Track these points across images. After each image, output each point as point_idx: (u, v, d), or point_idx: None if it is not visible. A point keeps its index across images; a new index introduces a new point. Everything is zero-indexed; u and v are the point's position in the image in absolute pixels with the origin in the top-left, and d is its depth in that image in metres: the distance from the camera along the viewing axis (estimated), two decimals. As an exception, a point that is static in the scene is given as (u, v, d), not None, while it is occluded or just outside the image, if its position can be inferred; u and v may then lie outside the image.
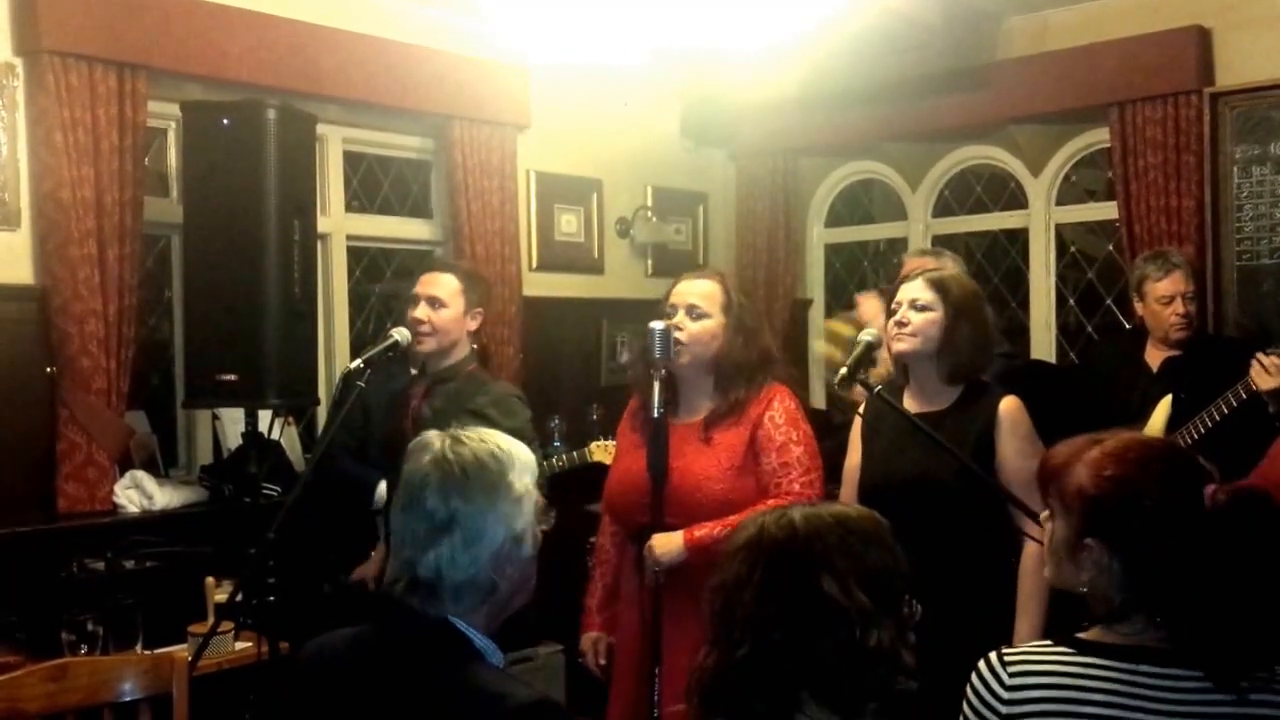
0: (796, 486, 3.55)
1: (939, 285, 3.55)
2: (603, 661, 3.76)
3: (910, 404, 3.57)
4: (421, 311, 4.12)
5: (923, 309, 3.52)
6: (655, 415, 3.36)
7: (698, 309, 3.60)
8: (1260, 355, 4.31)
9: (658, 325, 3.42)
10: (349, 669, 2.16)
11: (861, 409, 3.74)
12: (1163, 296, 4.76)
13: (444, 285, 4.17)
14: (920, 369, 3.57)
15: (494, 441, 2.19)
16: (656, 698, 3.31)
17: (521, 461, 2.18)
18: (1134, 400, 4.72)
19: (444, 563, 2.10)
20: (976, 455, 3.36)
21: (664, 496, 3.39)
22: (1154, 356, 4.84)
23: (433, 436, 2.20)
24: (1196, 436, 4.47)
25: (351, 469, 4.49)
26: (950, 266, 4.74)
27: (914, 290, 3.56)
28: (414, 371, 4.37)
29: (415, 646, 2.11)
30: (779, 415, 3.61)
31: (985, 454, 3.41)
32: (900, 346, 3.53)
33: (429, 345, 4.11)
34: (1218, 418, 4.42)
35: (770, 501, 3.48)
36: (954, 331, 3.51)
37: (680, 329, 3.55)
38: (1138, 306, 4.92)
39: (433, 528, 2.11)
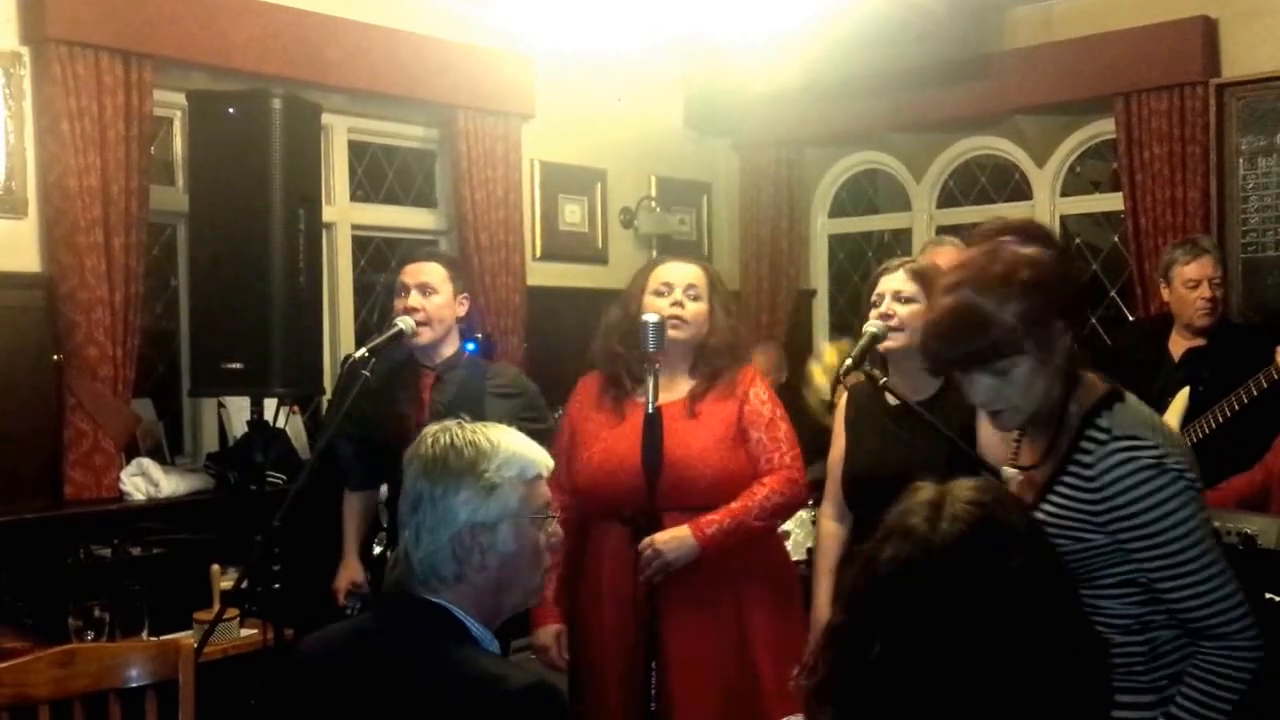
0: (788, 460, 3.57)
1: (921, 277, 3.53)
2: (567, 656, 3.65)
3: (891, 396, 3.56)
4: (415, 300, 4.07)
5: (907, 301, 3.50)
6: (650, 411, 3.34)
7: (694, 288, 3.62)
8: None
9: (651, 318, 3.39)
10: (348, 657, 2.19)
11: (844, 400, 3.75)
12: (1190, 280, 4.75)
13: (432, 272, 4.13)
14: (905, 361, 3.53)
15: (484, 433, 2.21)
16: (654, 691, 3.29)
17: (507, 455, 2.19)
18: (1154, 390, 4.72)
19: (411, 540, 2.17)
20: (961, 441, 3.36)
21: (656, 489, 3.35)
22: (1177, 345, 4.83)
23: (434, 424, 2.26)
24: (1215, 425, 4.47)
25: (350, 465, 4.41)
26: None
27: (896, 282, 3.53)
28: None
29: (412, 631, 2.14)
30: (763, 392, 3.63)
31: (968, 440, 3.40)
32: (890, 344, 3.51)
33: (427, 334, 4.08)
34: (1237, 407, 4.42)
35: (767, 480, 3.52)
36: None
37: (682, 307, 3.57)
38: (1164, 293, 4.90)
39: (409, 506, 2.18)
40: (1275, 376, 4.35)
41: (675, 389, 3.60)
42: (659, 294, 3.60)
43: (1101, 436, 2.31)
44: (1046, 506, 2.36)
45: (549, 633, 3.66)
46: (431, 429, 2.24)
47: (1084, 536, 2.32)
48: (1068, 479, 2.35)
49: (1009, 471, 2.52)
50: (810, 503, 4.02)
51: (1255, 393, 4.40)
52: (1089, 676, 1.72)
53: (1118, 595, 2.36)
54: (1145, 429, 2.32)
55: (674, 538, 3.38)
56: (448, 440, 2.19)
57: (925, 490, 1.81)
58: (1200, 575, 2.25)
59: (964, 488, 1.79)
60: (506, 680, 2.02)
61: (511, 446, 2.22)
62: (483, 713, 1.99)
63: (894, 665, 1.68)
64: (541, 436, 4.03)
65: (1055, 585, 1.72)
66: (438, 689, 2.04)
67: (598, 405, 3.71)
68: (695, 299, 3.61)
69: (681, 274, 3.65)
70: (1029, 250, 2.34)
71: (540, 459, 2.27)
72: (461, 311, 4.20)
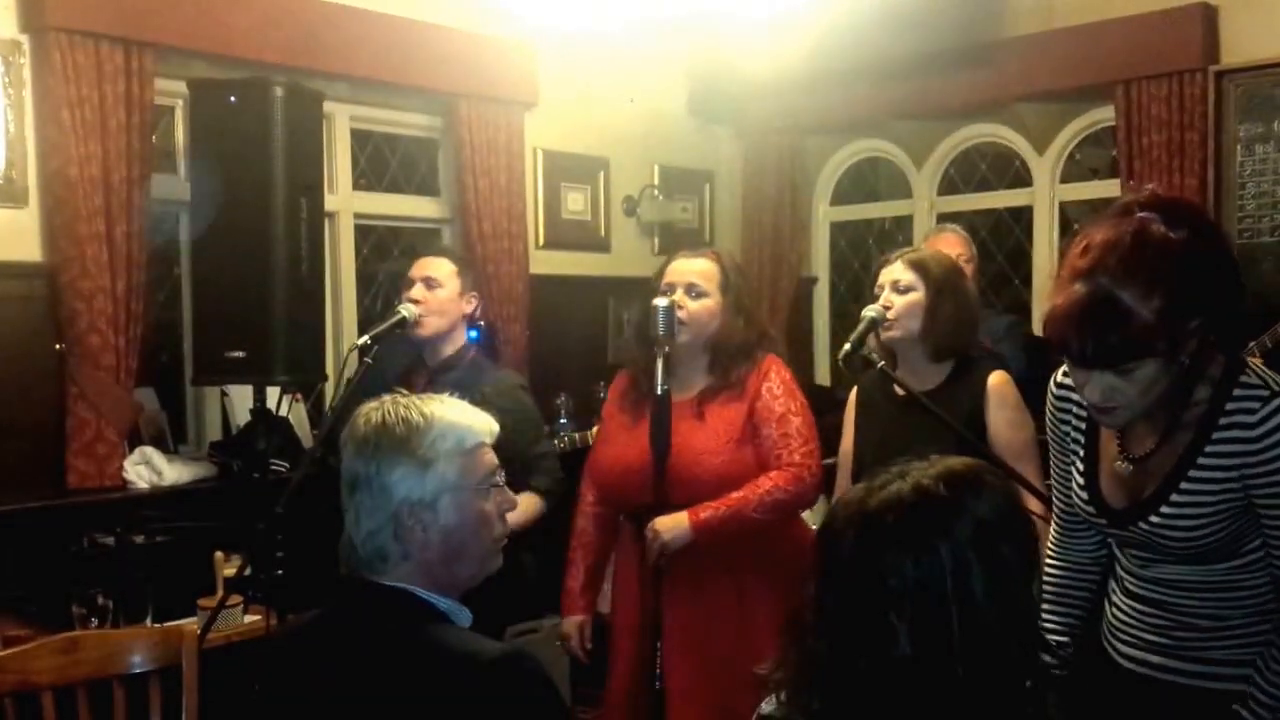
0: (798, 457, 3.54)
1: (919, 265, 3.56)
2: (588, 645, 3.76)
3: (898, 387, 3.58)
4: (418, 292, 4.12)
5: (905, 290, 3.52)
6: (659, 392, 3.35)
7: (697, 288, 3.58)
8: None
9: (662, 302, 3.42)
10: (318, 648, 2.18)
11: (853, 392, 3.77)
12: None
13: (439, 267, 4.18)
14: (907, 350, 3.57)
15: (418, 408, 2.18)
16: (659, 672, 3.33)
17: (443, 428, 2.16)
18: None
19: (352, 522, 2.16)
20: (968, 431, 3.38)
21: (665, 473, 3.36)
22: None
23: (370, 401, 2.24)
24: None
25: None
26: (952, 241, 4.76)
27: (895, 272, 3.56)
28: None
29: (379, 617, 2.13)
30: (776, 386, 3.59)
31: (976, 429, 3.42)
32: (890, 334, 3.54)
33: (429, 326, 4.12)
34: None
35: (773, 474, 3.52)
36: (937, 310, 3.51)
37: (681, 308, 3.51)
38: None
39: (347, 488, 2.17)
40: (1268, 344, 4.37)
41: (688, 388, 3.61)
42: (663, 294, 3.57)
43: (1263, 393, 2.24)
44: (1182, 492, 2.30)
45: (572, 623, 3.79)
46: (365, 407, 2.22)
47: (1235, 505, 2.27)
48: (1215, 447, 2.27)
49: (1119, 466, 2.41)
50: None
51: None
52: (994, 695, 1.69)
53: (1263, 565, 2.33)
54: None
55: (671, 520, 3.42)
56: (379, 418, 2.17)
57: (911, 465, 1.79)
58: None
59: (931, 472, 1.76)
60: (478, 654, 2.02)
61: (447, 418, 2.18)
62: (457, 688, 1.99)
63: (818, 617, 1.75)
64: (541, 457, 4.04)
65: (968, 608, 1.67)
66: (410, 671, 2.04)
67: (621, 405, 3.75)
68: (699, 296, 3.58)
69: (684, 271, 3.62)
70: (1178, 234, 2.15)
71: (481, 426, 2.23)
72: (468, 309, 4.22)
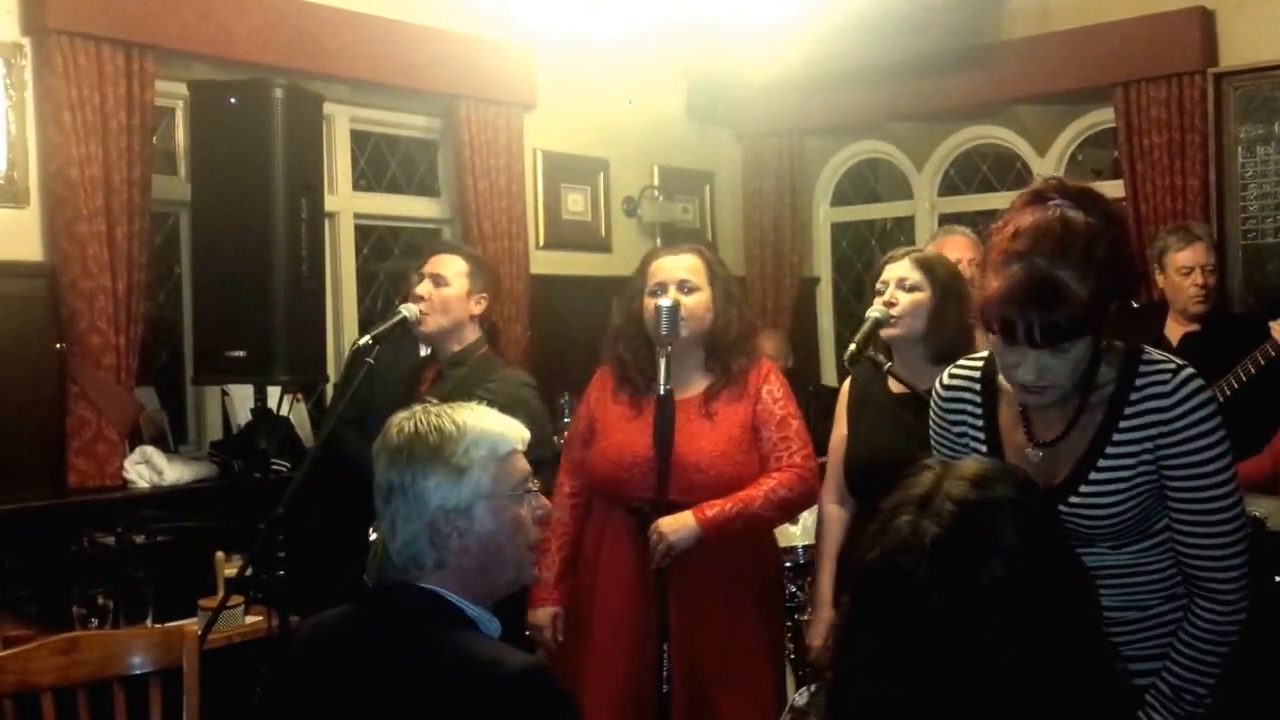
0: (798, 459, 3.54)
1: (926, 266, 3.55)
2: (560, 638, 3.69)
3: (895, 384, 3.58)
4: (424, 288, 4.12)
5: (911, 289, 3.51)
6: (662, 393, 3.34)
7: (689, 283, 3.56)
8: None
9: (665, 302, 3.39)
10: (343, 645, 2.18)
11: (846, 386, 3.76)
12: (1183, 267, 4.78)
13: (449, 265, 4.18)
14: (907, 350, 3.55)
15: (450, 416, 2.19)
16: (665, 674, 3.31)
17: (476, 435, 2.17)
18: None
19: (388, 531, 2.16)
20: None
21: (669, 473, 3.36)
22: (1174, 331, 4.84)
23: (401, 412, 2.24)
24: (1220, 401, 4.49)
25: (356, 448, 4.45)
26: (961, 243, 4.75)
27: (901, 269, 3.55)
28: (425, 352, 4.38)
29: (406, 618, 2.13)
30: (776, 389, 3.60)
31: None
32: (891, 332, 3.53)
33: (431, 324, 4.11)
34: (1244, 378, 4.43)
35: (776, 474, 3.52)
36: (943, 313, 3.50)
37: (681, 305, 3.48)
38: (1158, 279, 4.92)
39: (381, 497, 2.18)
40: (1272, 353, 4.36)
41: (689, 385, 3.59)
42: (654, 294, 3.55)
43: (1169, 366, 2.30)
44: (1100, 469, 2.33)
45: (546, 614, 3.69)
46: (397, 417, 2.22)
47: (1148, 480, 2.31)
48: (1129, 422, 2.31)
49: (1029, 453, 2.43)
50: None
51: (1253, 370, 4.42)
52: (1089, 673, 1.71)
53: (1168, 546, 2.37)
54: None
55: (677, 520, 3.39)
56: (412, 427, 2.17)
57: (924, 478, 1.79)
58: (1229, 526, 2.29)
59: (960, 480, 1.77)
60: (502, 664, 2.01)
61: (480, 425, 2.19)
62: (479, 697, 1.98)
63: (884, 660, 1.71)
64: (537, 464, 4.02)
65: (1045, 582, 1.71)
66: (433, 675, 2.04)
67: (614, 397, 3.71)
68: (691, 291, 3.56)
69: (674, 269, 3.59)
70: (1094, 220, 2.24)
71: (514, 433, 2.24)
72: (477, 310, 4.19)
